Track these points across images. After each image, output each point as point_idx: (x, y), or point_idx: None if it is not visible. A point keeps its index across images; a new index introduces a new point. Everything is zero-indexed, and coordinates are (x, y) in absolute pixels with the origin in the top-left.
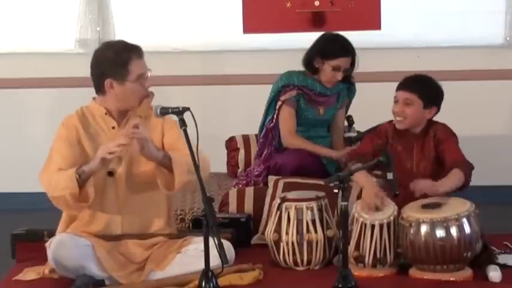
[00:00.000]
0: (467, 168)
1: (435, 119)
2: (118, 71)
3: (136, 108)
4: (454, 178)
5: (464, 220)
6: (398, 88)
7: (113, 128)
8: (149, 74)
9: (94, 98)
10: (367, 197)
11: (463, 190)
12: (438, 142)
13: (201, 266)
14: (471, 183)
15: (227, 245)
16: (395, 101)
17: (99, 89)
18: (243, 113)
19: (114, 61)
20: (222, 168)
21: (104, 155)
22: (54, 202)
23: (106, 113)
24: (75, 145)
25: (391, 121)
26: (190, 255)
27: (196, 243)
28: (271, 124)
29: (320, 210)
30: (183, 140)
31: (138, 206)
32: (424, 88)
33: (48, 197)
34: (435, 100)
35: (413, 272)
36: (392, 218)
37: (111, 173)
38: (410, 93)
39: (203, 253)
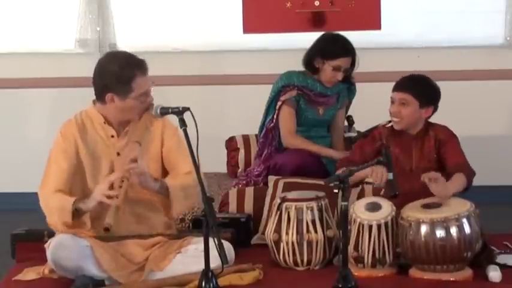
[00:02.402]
0: (470, 173)
1: (436, 118)
2: (121, 87)
3: (136, 121)
4: (459, 182)
5: (464, 220)
6: (394, 89)
7: (112, 136)
8: (152, 89)
9: (94, 102)
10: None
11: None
12: (440, 143)
13: (201, 266)
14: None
15: (227, 245)
16: (392, 102)
17: (100, 98)
18: (243, 113)
19: (118, 76)
20: (222, 168)
21: (101, 198)
22: (48, 223)
23: (105, 122)
24: (72, 157)
25: (385, 124)
26: (190, 256)
27: (196, 244)
28: (271, 124)
29: (320, 210)
30: (182, 150)
31: (137, 219)
32: (419, 88)
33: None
34: (431, 99)
35: (413, 272)
36: (389, 218)
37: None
38: (406, 94)
39: (203, 253)
